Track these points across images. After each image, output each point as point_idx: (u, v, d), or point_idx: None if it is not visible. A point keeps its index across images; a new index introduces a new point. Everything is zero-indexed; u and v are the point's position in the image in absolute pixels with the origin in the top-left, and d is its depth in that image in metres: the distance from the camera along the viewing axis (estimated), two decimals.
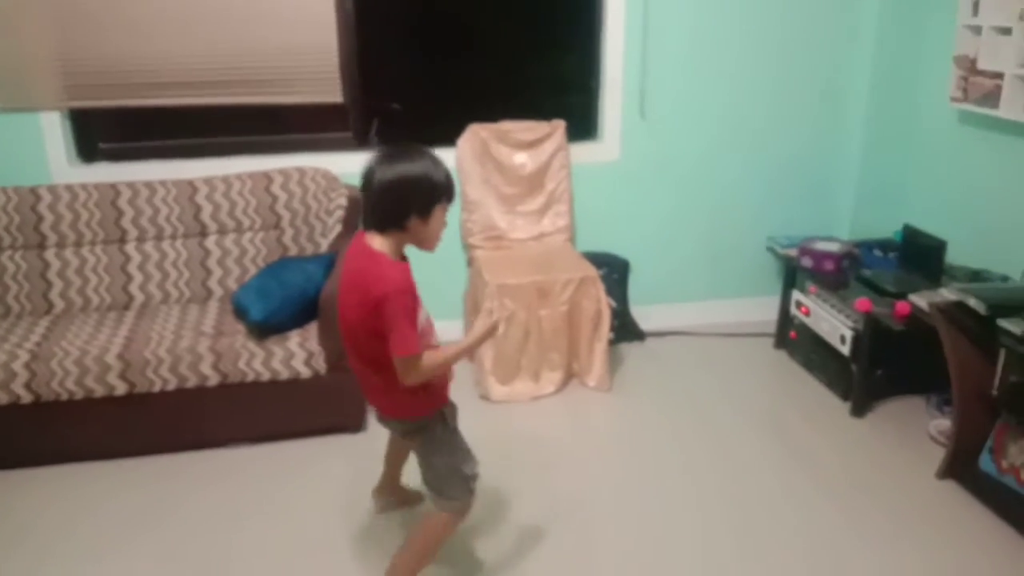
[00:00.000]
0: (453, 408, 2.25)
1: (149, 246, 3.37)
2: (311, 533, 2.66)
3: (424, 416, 2.17)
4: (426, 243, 2.08)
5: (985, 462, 2.86)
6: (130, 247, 3.36)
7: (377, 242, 2.02)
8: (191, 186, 3.39)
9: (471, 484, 2.22)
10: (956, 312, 2.79)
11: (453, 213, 3.65)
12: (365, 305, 1.98)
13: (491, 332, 2.16)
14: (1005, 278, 3.08)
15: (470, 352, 2.26)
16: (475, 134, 3.66)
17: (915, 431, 3.21)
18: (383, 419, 2.28)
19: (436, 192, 2.02)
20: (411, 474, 2.51)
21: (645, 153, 3.86)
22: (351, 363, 2.19)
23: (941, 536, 2.65)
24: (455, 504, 2.22)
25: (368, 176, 2.01)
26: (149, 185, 3.38)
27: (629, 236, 3.95)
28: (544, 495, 2.81)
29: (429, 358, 2.02)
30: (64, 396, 2.87)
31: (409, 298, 1.99)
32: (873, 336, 3.21)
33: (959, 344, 2.81)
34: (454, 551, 2.51)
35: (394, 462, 2.65)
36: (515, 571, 2.48)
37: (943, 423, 3.13)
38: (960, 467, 2.89)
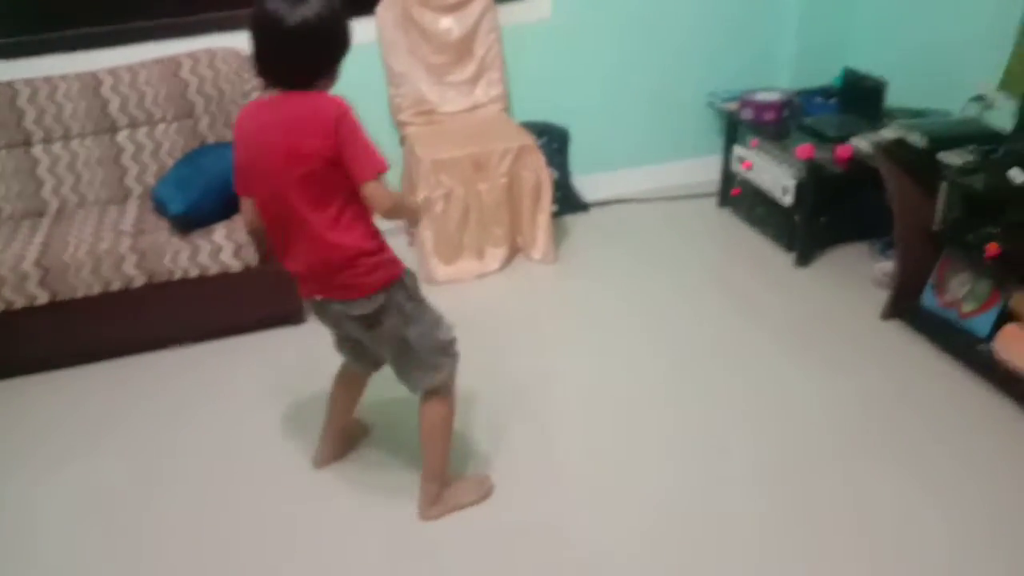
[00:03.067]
0: (412, 276, 2.04)
1: (57, 147, 3.15)
2: (270, 424, 2.61)
3: (384, 285, 1.94)
4: None
5: (927, 298, 2.88)
6: (37, 150, 3.14)
7: None
8: (95, 78, 3.16)
9: (451, 348, 2.09)
10: (897, 150, 2.75)
11: (380, 89, 3.54)
12: (319, 134, 1.76)
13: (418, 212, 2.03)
14: (946, 114, 3.04)
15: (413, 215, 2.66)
16: None
17: (860, 276, 3.23)
18: (342, 306, 1.97)
19: (348, 39, 1.83)
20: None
21: (576, 8, 3.66)
22: (295, 240, 1.91)
23: (885, 369, 2.71)
24: (442, 375, 2.07)
25: (272, 21, 1.71)
26: (49, 81, 3.13)
27: (566, 102, 3.79)
28: (501, 374, 2.77)
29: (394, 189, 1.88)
30: None
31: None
32: (815, 183, 3.17)
33: (901, 182, 2.78)
34: (414, 440, 2.33)
35: (346, 409, 2.37)
36: (481, 452, 2.45)
37: (887, 265, 3.14)
38: (903, 305, 2.92)
